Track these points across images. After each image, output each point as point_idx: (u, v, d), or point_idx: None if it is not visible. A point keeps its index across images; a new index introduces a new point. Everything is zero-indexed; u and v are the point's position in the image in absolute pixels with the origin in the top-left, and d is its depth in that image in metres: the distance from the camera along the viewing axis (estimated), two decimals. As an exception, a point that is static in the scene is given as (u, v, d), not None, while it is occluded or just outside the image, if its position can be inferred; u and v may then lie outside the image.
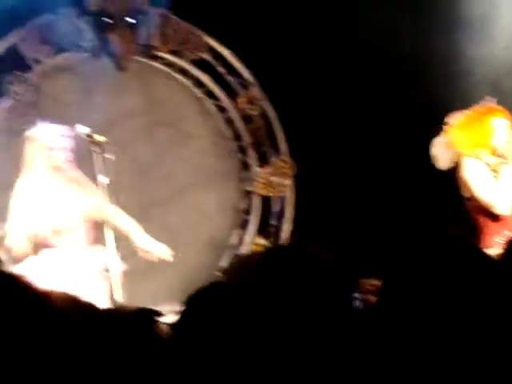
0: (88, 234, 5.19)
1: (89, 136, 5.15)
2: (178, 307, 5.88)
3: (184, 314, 1.45)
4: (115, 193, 5.31)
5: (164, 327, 2.51)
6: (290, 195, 7.13)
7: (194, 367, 1.04)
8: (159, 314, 3.01)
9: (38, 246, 5.08)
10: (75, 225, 5.13)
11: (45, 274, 4.77)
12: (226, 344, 1.04)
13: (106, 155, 5.09)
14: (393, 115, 6.85)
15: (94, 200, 5.14)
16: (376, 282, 4.77)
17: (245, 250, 6.89)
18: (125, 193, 6.76)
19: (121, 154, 6.44)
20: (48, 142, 5.13)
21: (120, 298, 4.82)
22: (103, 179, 5.03)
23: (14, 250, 5.04)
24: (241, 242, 7.01)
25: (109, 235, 5.00)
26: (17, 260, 5.06)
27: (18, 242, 5.01)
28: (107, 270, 4.93)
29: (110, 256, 4.93)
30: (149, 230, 6.89)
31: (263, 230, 7.07)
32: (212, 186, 7.07)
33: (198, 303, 1.41)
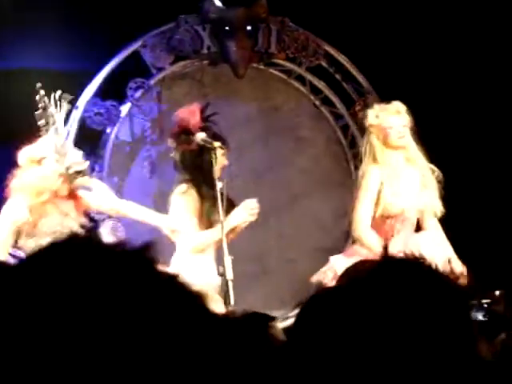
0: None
1: (204, 141, 5.22)
2: (290, 313, 5.87)
3: (298, 320, 1.46)
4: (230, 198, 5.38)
5: (278, 331, 2.53)
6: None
7: (308, 374, 1.05)
8: (272, 319, 3.03)
9: None
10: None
11: None
12: (342, 350, 1.04)
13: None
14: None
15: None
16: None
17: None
18: (240, 199, 6.84)
19: (237, 160, 6.54)
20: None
21: (232, 302, 4.86)
22: (218, 184, 5.09)
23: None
24: (355, 250, 6.97)
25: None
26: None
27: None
28: (222, 275, 4.97)
29: (225, 260, 4.97)
30: (263, 236, 6.96)
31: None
32: (327, 194, 7.05)
33: (312, 309, 1.41)
